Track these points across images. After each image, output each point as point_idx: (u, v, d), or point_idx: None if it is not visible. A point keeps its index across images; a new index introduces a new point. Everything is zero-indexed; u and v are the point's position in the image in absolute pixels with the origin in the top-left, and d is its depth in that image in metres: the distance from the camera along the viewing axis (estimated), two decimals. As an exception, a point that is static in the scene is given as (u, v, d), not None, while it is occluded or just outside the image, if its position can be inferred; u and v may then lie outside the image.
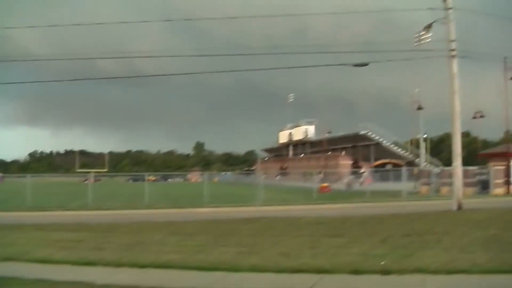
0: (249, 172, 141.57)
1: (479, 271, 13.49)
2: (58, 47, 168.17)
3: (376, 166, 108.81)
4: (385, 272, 13.64)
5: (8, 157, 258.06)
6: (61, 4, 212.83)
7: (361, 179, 73.93)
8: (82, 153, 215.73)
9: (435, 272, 13.55)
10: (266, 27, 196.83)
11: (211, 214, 35.05)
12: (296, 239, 20.11)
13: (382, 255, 15.87)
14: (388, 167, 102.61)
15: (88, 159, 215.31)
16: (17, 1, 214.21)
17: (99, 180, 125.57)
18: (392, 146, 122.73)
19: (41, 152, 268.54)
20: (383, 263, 14.61)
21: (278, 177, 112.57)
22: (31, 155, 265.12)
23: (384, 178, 73.88)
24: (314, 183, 64.43)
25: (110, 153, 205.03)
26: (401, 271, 13.65)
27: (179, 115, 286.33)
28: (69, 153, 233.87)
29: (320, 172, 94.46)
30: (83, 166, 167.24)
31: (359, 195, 53.17)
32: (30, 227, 26.33)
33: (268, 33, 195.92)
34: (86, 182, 74.67)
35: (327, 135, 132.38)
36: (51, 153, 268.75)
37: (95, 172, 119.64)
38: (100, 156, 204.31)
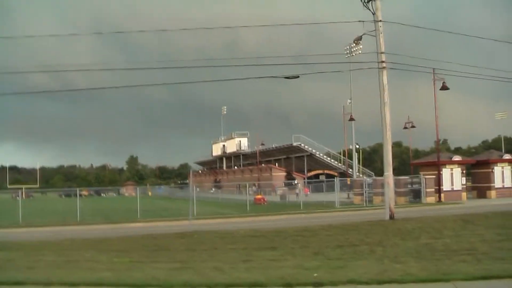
0: (183, 185, 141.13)
1: (412, 281, 13.54)
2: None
3: (310, 177, 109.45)
4: (318, 284, 13.56)
5: None
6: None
7: (297, 190, 74.21)
8: (13, 168, 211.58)
9: (367, 282, 13.53)
10: (198, 40, 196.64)
11: (145, 229, 34.67)
12: (230, 253, 19.99)
13: (315, 267, 15.83)
14: (322, 178, 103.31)
15: (19, 175, 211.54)
16: None
17: (30, 196, 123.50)
18: (325, 157, 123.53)
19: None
20: (316, 275, 14.57)
21: (212, 190, 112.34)
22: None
23: (317, 189, 74.43)
24: (249, 195, 64.46)
25: (42, 169, 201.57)
26: (333, 283, 13.58)
27: (112, 130, 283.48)
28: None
29: (254, 184, 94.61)
30: (14, 182, 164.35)
31: (294, 206, 53.38)
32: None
33: (201, 46, 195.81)
34: (17, 198, 73.31)
35: (260, 147, 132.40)
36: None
37: (26, 188, 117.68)
38: (31, 171, 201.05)
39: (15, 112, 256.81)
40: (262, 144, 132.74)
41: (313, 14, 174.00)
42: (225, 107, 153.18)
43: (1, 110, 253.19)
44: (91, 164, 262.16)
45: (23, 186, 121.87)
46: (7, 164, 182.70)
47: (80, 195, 56.68)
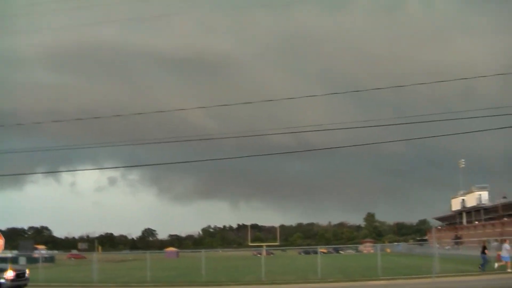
0: (422, 242, 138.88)
1: None
2: (228, 123, 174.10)
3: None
4: None
5: (183, 232, 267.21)
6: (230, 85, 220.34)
7: None
8: (254, 227, 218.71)
9: None
10: (432, 91, 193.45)
11: (386, 286, 34.24)
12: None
13: None
14: None
15: (260, 233, 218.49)
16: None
17: (271, 253, 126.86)
18: None
19: (215, 227, 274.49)
20: None
21: (449, 247, 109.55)
22: (204, 230, 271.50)
23: None
24: (491, 251, 61.87)
25: (281, 227, 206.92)
26: None
27: (349, 186, 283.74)
28: (241, 227, 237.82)
29: (497, 240, 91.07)
30: (255, 240, 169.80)
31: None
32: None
33: (435, 95, 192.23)
34: (259, 255, 75.49)
35: (502, 200, 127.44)
36: (223, 227, 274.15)
37: (267, 245, 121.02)
38: (271, 229, 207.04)
39: (255, 171, 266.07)
40: (504, 197, 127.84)
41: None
42: (463, 160, 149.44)
43: (242, 170, 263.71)
44: (329, 222, 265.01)
45: (264, 244, 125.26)
46: (248, 222, 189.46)
47: (319, 252, 57.11)
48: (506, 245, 47.26)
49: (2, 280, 30.17)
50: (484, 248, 48.79)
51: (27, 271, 33.45)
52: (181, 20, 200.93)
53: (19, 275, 31.80)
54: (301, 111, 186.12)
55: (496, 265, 46.79)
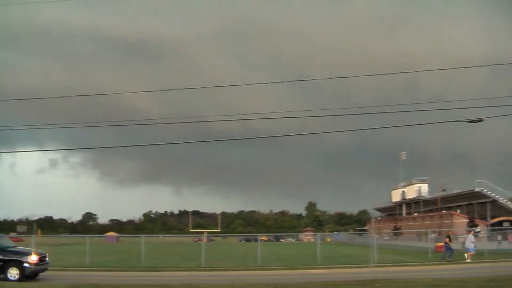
0: (362, 231, 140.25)
1: None
2: (173, 108, 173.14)
3: (493, 224, 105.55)
4: None
5: (124, 217, 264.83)
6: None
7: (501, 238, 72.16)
8: (195, 213, 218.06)
9: None
10: (376, 80, 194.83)
11: (325, 275, 34.42)
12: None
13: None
14: (505, 225, 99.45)
15: (201, 220, 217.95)
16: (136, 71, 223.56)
17: (212, 240, 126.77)
18: (509, 203, 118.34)
19: (156, 213, 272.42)
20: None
21: (388, 237, 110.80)
22: (145, 215, 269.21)
23: (503, 237, 71.63)
24: (429, 242, 62.84)
25: (223, 214, 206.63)
26: None
27: (292, 175, 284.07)
28: (182, 213, 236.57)
29: (434, 231, 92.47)
30: (196, 226, 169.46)
31: (477, 255, 51.17)
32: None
33: (379, 86, 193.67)
34: (199, 242, 75.38)
35: (441, 193, 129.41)
36: (165, 213, 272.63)
37: (208, 232, 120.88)
38: (213, 216, 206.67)
39: (199, 158, 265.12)
40: (443, 190, 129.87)
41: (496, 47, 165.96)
42: (405, 152, 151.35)
43: (185, 156, 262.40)
44: (271, 210, 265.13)
45: (205, 230, 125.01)
46: (190, 208, 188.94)
47: (259, 240, 57.24)
48: (471, 236, 48.76)
49: (26, 264, 30.06)
50: (449, 238, 50.11)
51: (47, 255, 33.18)
52: (127, 1, 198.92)
53: (42, 259, 31.67)
54: (246, 98, 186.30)
55: (466, 255, 47.97)
